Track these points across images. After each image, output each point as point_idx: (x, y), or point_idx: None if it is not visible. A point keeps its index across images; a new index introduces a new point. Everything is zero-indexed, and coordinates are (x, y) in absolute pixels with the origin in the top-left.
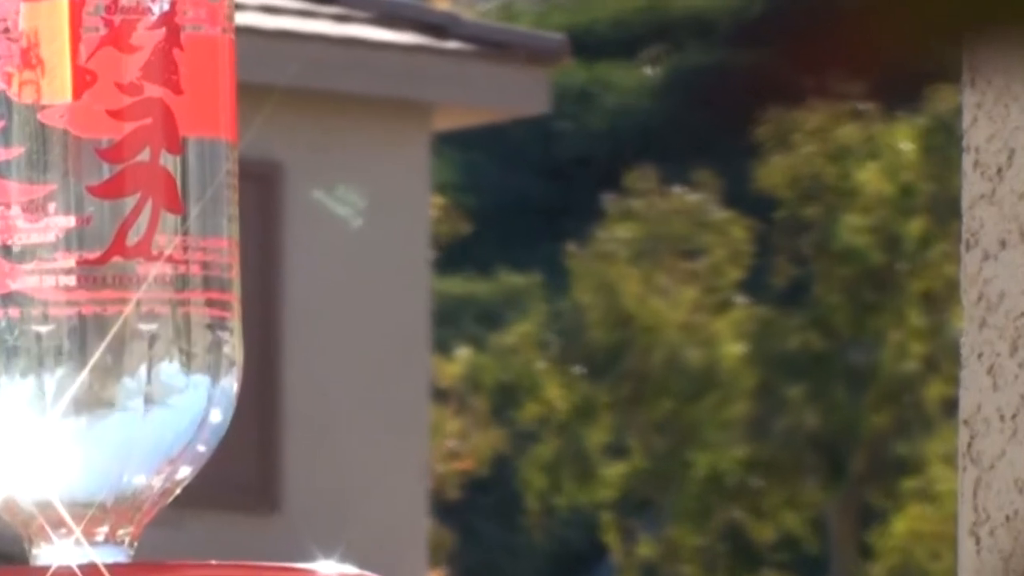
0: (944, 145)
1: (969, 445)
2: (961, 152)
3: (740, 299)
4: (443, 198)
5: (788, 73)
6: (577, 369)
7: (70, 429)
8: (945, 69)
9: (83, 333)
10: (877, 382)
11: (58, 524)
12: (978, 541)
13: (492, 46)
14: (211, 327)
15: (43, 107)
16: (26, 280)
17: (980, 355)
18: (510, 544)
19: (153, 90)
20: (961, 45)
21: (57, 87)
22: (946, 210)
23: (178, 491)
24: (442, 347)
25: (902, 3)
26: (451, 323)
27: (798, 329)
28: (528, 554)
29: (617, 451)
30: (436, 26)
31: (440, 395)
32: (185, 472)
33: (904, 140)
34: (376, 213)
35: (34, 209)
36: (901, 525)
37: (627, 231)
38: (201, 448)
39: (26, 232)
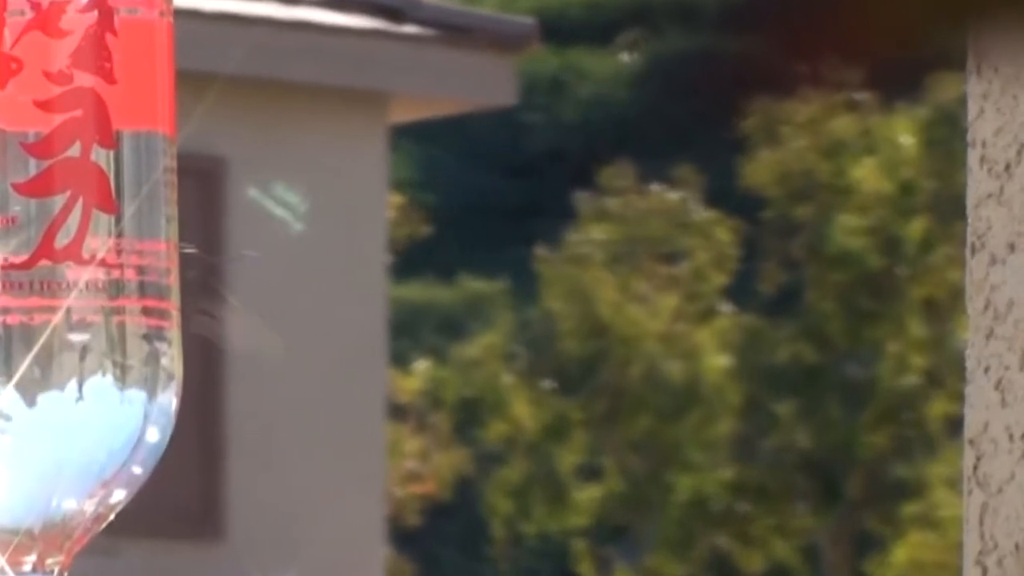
0: (947, 138)
1: (975, 467)
2: (966, 147)
3: (725, 307)
4: (401, 196)
5: (778, 60)
6: (547, 384)
7: None
8: (948, 55)
9: (8, 344)
10: (875, 398)
11: None
12: (985, 571)
13: (454, 30)
14: (148, 337)
15: None
16: None
17: (987, 369)
18: (475, 575)
19: (84, 79)
20: (965, 28)
21: None
22: (950, 210)
23: (112, 516)
24: (400, 360)
25: None
26: (409, 333)
27: (788, 340)
28: None
29: (591, 473)
30: (392, 9)
31: (398, 412)
32: (120, 495)
33: (904, 133)
34: (328, 213)
35: None
36: (901, 554)
37: (602, 233)
38: (137, 470)
39: None
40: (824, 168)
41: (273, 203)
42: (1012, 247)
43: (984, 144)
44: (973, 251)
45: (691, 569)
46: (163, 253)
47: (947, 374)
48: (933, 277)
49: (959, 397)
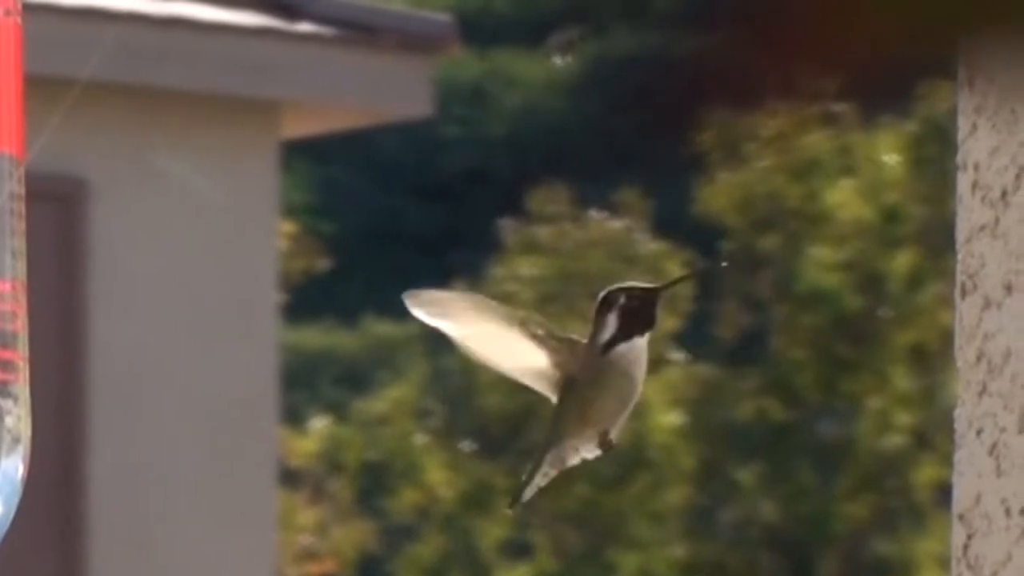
0: (939, 157)
1: (965, 547)
2: (957, 170)
3: (676, 355)
4: (294, 224)
5: (741, 64)
6: (466, 445)
7: None
8: (939, 62)
9: None
10: (853, 462)
11: None
12: None
13: (357, 29)
14: None
15: None
16: None
17: (979, 431)
18: None
19: None
20: (959, 32)
21: None
22: (942, 241)
23: None
24: (293, 417)
25: None
26: (305, 386)
27: (751, 394)
28: None
29: (518, 550)
30: (284, 4)
31: (291, 478)
32: None
33: (888, 151)
34: (208, 244)
35: None
36: None
37: (531, 267)
38: None
39: None
40: (794, 192)
41: (154, 226)
42: (1009, 288)
43: (977, 167)
44: (964, 293)
45: None
46: (8, 295)
47: (938, 434)
48: (922, 320)
49: (950, 462)
